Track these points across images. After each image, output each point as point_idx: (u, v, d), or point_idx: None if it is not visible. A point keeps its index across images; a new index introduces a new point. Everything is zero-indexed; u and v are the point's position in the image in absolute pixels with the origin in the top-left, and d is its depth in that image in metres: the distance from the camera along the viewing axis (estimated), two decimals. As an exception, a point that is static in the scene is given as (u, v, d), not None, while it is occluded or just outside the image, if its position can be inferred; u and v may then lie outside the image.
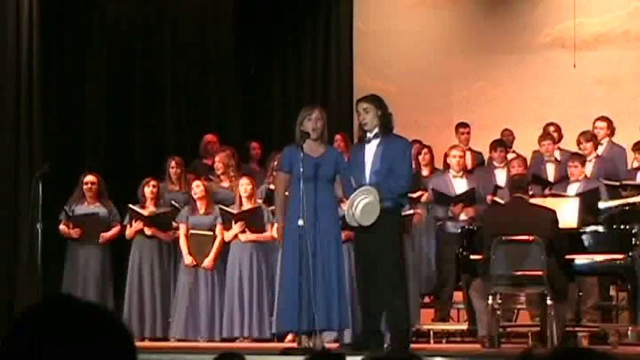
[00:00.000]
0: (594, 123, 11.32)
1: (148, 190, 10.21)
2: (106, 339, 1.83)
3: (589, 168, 10.52)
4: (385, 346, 7.95)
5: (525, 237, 8.27)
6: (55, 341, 1.79)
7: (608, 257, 8.65)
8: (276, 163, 9.08)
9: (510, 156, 11.34)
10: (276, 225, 9.49)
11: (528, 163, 11.11)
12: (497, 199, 10.34)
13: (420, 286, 10.41)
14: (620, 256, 8.58)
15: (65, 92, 11.58)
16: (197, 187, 10.08)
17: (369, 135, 7.99)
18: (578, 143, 10.81)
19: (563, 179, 10.42)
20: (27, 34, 10.84)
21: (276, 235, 9.42)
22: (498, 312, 8.57)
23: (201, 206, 10.08)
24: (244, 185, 9.90)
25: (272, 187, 9.81)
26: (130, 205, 10.20)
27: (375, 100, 8.05)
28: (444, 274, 10.31)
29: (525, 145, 11.93)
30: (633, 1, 13.62)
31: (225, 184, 10.56)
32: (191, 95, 13.10)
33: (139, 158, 12.14)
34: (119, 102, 12.16)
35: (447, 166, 10.92)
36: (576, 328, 9.38)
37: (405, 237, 8.82)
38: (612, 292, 10.32)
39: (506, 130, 12.13)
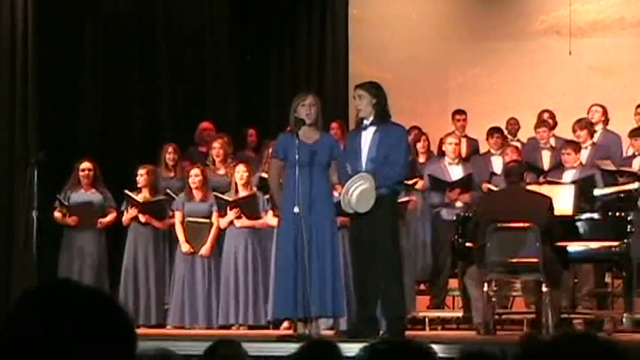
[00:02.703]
0: (590, 108, 11.32)
1: (140, 179, 10.22)
2: (105, 323, 1.83)
3: (584, 155, 10.52)
4: (380, 333, 7.96)
5: (521, 224, 8.27)
6: (53, 325, 1.79)
7: (604, 244, 8.66)
8: (270, 150, 9.07)
9: (516, 144, 11.36)
10: (271, 212, 9.51)
11: (524, 150, 11.12)
12: (491, 187, 10.34)
13: (415, 274, 10.43)
14: (616, 243, 8.59)
15: (61, 79, 11.55)
16: (196, 176, 10.06)
17: (365, 122, 7.99)
18: (574, 131, 10.79)
19: (559, 166, 10.43)
20: (22, 20, 10.81)
21: (271, 223, 9.44)
22: (493, 299, 8.57)
23: (197, 194, 10.07)
24: (240, 172, 9.89)
25: (264, 175, 9.81)
26: (127, 191, 10.21)
27: (371, 88, 8.04)
28: (440, 262, 10.33)
29: (521, 132, 11.95)
30: (629, -12, 13.62)
31: (222, 171, 10.55)
32: (187, 82, 13.07)
33: (134, 145, 12.11)
34: (115, 89, 12.13)
35: (442, 154, 10.93)
36: (572, 315, 9.40)
37: (400, 224, 8.82)
38: (607, 279, 10.33)
39: (511, 118, 12.06)
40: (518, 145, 11.45)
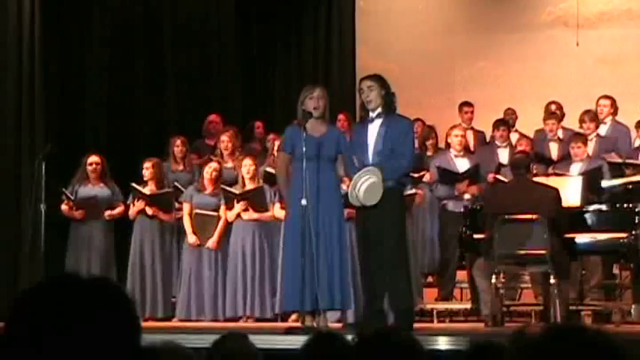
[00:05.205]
0: (597, 101, 11.28)
1: (146, 172, 10.21)
2: (108, 314, 1.82)
3: (590, 147, 10.49)
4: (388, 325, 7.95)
5: (528, 216, 8.26)
6: (56, 319, 1.79)
7: (612, 236, 8.63)
8: (277, 143, 9.06)
9: (513, 135, 11.32)
10: (278, 205, 9.52)
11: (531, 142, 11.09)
12: (499, 177, 10.32)
13: (422, 266, 10.42)
14: (624, 235, 8.56)
15: (67, 74, 11.56)
16: (214, 170, 10.06)
17: (371, 115, 7.96)
18: (581, 122, 10.77)
19: (566, 158, 10.40)
20: (29, 16, 10.82)
21: (278, 215, 9.44)
22: (501, 291, 8.57)
23: (209, 186, 10.07)
24: (247, 166, 9.90)
25: (269, 169, 9.83)
26: (133, 184, 10.21)
27: (380, 79, 8.02)
28: (447, 254, 10.31)
29: (527, 124, 11.91)
30: (636, -20, 13.58)
31: (229, 164, 10.55)
32: (193, 75, 13.06)
33: (140, 139, 12.12)
34: (121, 83, 12.14)
35: (448, 146, 10.91)
36: (580, 307, 9.39)
37: (407, 217, 8.81)
38: (615, 271, 10.31)
39: (509, 109, 12.08)
40: (517, 135, 11.42)
